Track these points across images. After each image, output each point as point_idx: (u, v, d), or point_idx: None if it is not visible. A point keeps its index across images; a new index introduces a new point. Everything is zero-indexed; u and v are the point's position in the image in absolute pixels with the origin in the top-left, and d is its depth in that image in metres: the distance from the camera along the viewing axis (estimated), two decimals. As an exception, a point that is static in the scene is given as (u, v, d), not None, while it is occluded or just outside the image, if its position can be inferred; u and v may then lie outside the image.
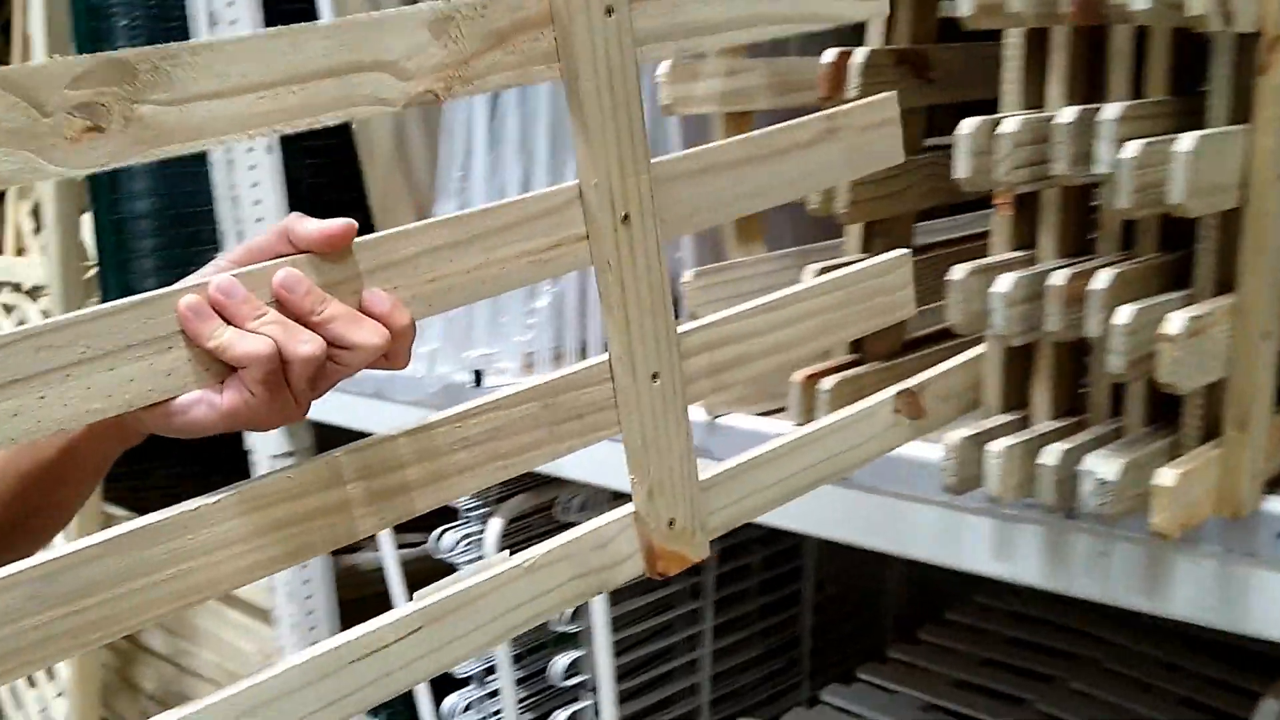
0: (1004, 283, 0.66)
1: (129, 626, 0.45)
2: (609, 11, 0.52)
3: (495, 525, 1.16)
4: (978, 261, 0.70)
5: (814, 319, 0.64)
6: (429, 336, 1.14)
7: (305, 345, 0.46)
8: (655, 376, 0.56)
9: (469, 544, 1.20)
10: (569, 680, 1.18)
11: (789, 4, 0.61)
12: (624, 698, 1.19)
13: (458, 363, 1.12)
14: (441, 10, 0.48)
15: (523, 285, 0.54)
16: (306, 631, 1.46)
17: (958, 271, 0.68)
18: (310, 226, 0.47)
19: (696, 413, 0.92)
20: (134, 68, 0.41)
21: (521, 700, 1.20)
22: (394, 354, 0.49)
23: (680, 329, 0.57)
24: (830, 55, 0.79)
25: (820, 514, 0.85)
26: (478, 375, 1.11)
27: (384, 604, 1.29)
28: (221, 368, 0.46)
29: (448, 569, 1.20)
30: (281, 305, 0.46)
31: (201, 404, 0.48)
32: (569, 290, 1.12)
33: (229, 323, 0.46)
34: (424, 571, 1.27)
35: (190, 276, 0.49)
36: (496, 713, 1.22)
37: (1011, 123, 0.66)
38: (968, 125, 0.67)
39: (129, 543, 0.44)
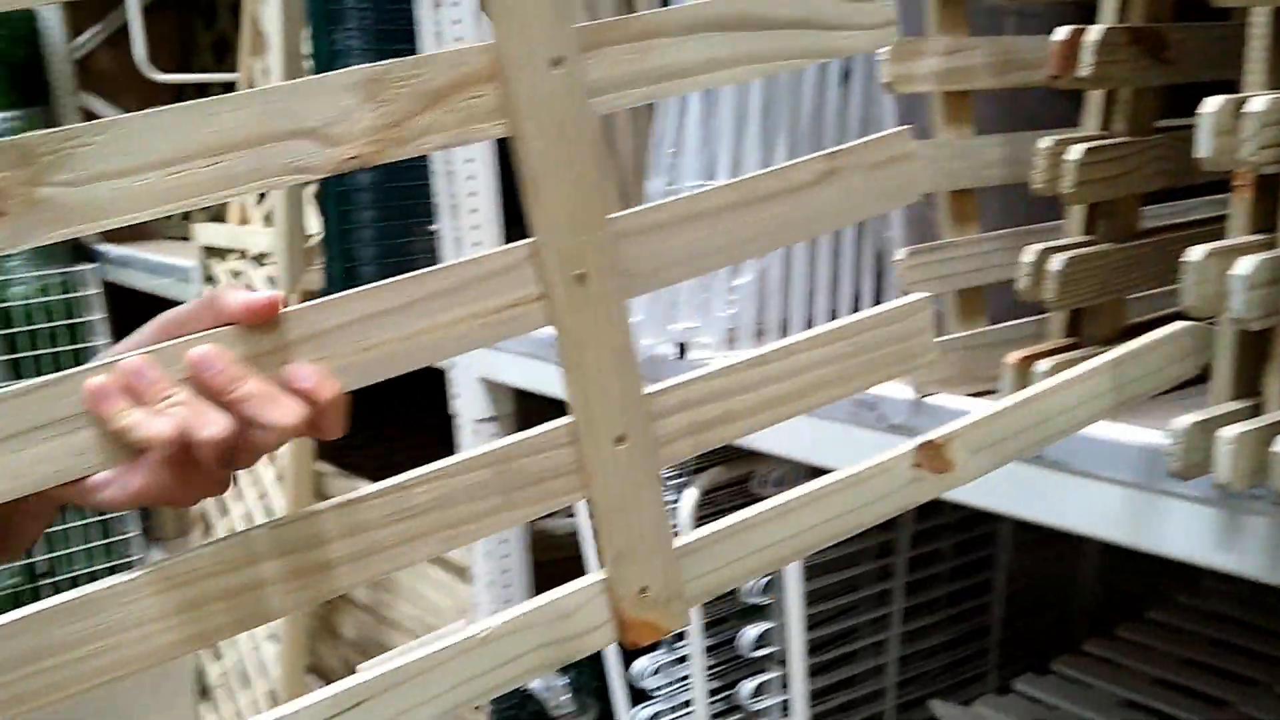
0: (1245, 265, 0.65)
1: (39, 704, 0.44)
2: (556, 63, 0.49)
3: (690, 496, 1.19)
4: (1215, 244, 0.68)
5: (812, 372, 0.58)
6: (634, 309, 1.17)
7: (211, 428, 0.45)
8: (620, 440, 0.53)
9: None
10: (757, 651, 1.20)
11: (778, 40, 0.55)
12: (810, 673, 1.21)
13: (662, 335, 1.15)
14: (371, 72, 0.46)
15: (472, 349, 0.51)
16: (501, 589, 1.52)
17: (1195, 253, 0.67)
18: (235, 298, 0.46)
19: (903, 390, 0.92)
20: (34, 151, 0.41)
21: (709, 668, 1.23)
22: (321, 425, 0.47)
23: (651, 389, 0.54)
24: (1062, 33, 0.78)
25: (1027, 497, 0.85)
26: (681, 348, 1.14)
27: (576, 567, 1.34)
28: (133, 448, 0.45)
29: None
30: (196, 382, 0.45)
31: (114, 484, 0.47)
32: (773, 267, 1.13)
33: (140, 402, 0.44)
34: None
35: (117, 345, 0.49)
36: (684, 678, 1.25)
37: (1259, 102, 0.64)
38: (1211, 104, 0.66)
39: (42, 621, 0.44)
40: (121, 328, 2.25)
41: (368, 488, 0.49)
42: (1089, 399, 0.66)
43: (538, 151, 0.49)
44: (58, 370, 0.44)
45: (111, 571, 2.64)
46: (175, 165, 0.44)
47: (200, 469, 0.46)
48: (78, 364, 0.45)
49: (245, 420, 0.45)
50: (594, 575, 0.54)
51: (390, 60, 0.47)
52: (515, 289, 0.50)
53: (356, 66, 0.46)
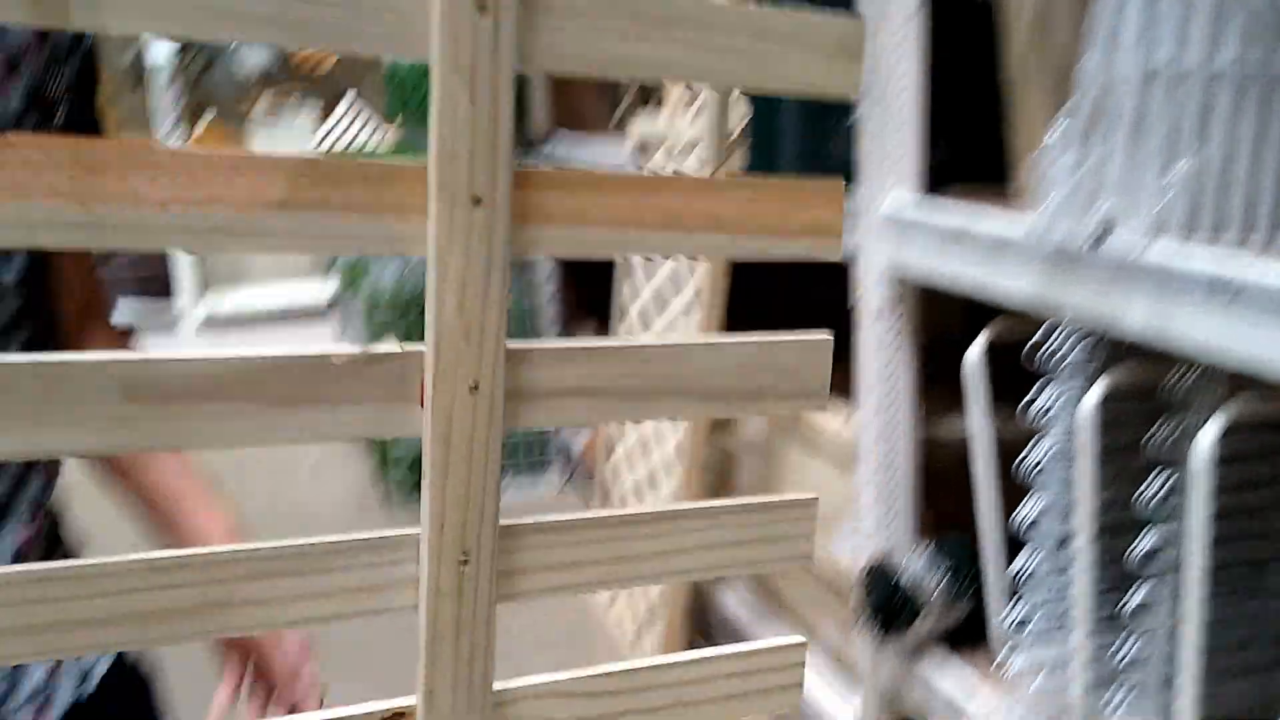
0: None
1: None
2: None
3: (1092, 397, 1.15)
4: None
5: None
6: (1052, 188, 1.14)
7: None
8: None
9: (1059, 410, 1.20)
10: (1149, 563, 1.15)
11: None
12: (1206, 596, 1.14)
13: (1079, 222, 1.11)
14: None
15: None
16: (885, 486, 1.54)
17: None
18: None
19: None
20: None
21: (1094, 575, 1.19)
22: None
23: None
24: None
25: None
26: (1099, 237, 1.09)
27: (963, 475, 1.33)
28: None
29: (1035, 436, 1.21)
30: None
31: None
32: (1213, 158, 1.06)
33: None
34: (1013, 442, 1.29)
35: None
36: (1066, 584, 1.22)
37: None
38: None
39: None
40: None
41: None
42: None
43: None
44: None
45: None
46: None
47: None
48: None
49: None
50: None
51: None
52: None
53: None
